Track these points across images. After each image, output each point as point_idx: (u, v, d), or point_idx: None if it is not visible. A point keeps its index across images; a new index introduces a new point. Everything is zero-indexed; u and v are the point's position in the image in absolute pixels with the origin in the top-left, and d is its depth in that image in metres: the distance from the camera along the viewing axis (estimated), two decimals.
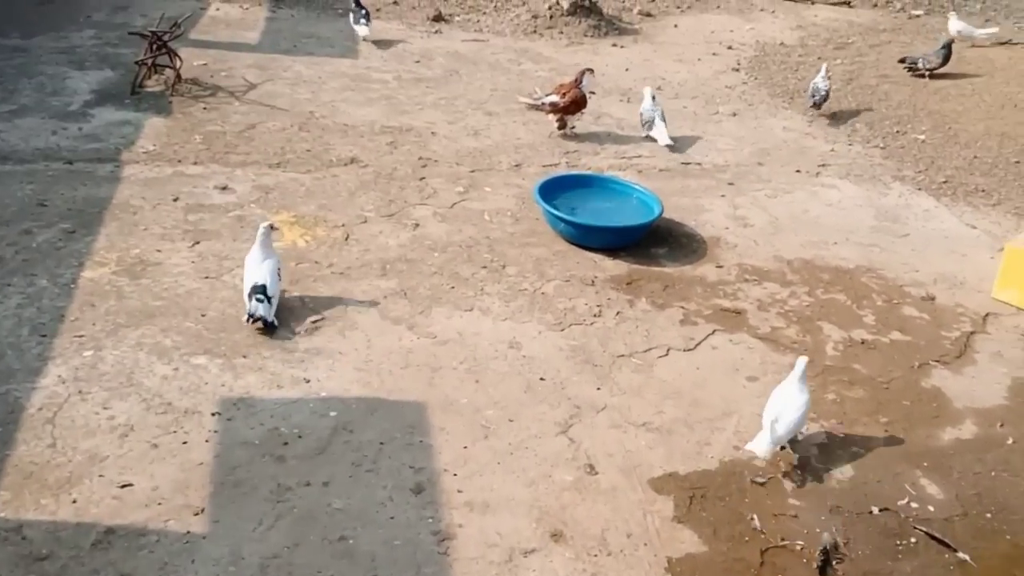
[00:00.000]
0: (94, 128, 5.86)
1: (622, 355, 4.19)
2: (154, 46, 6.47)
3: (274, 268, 4.15)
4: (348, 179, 5.56)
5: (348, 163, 5.77)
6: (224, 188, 5.28)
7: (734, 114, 7.27)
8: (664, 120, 6.61)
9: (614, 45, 8.86)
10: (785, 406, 3.54)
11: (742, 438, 3.68)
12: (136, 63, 6.48)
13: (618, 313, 4.50)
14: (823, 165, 6.41)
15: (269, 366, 3.85)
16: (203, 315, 4.14)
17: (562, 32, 8.98)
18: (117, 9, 8.24)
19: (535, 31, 8.97)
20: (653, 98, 6.69)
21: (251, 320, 4.03)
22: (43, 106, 6.12)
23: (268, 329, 4.06)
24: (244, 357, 3.89)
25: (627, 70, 8.16)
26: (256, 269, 4.12)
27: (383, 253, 4.80)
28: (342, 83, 7.08)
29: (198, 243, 4.71)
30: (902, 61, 8.50)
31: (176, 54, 6.55)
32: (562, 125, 6.45)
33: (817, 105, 7.23)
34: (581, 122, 6.63)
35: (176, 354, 3.86)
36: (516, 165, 5.98)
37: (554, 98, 6.40)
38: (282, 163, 5.67)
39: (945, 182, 6.28)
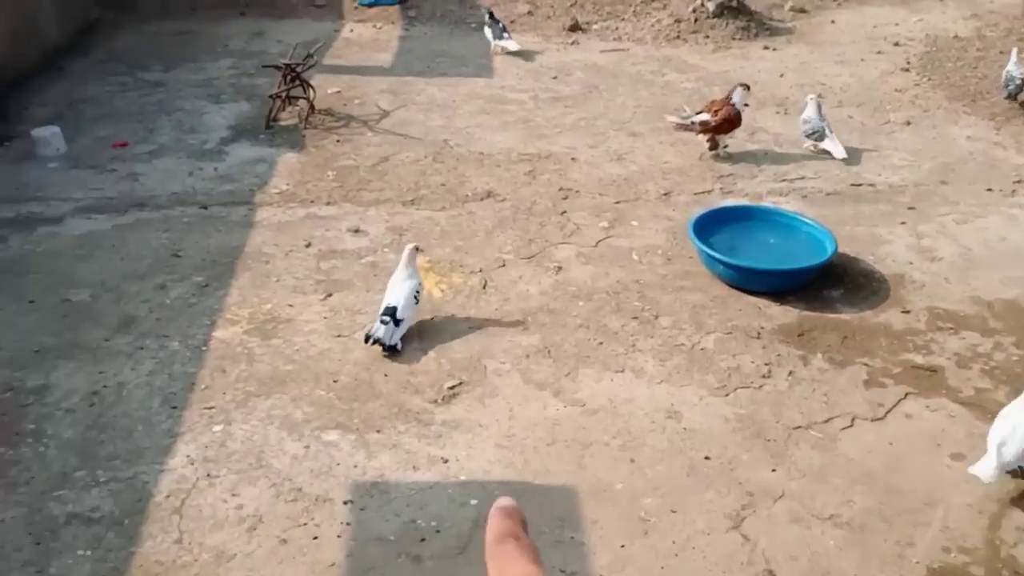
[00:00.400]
0: (229, 168, 5.73)
1: (798, 427, 3.66)
2: (288, 78, 6.31)
3: (411, 291, 4.03)
4: (484, 216, 5.21)
5: (484, 197, 5.43)
6: (357, 231, 5.02)
7: (908, 123, 6.55)
8: (831, 131, 6.01)
9: (766, 48, 8.22)
10: (1015, 427, 3.15)
11: (952, 536, 3.12)
12: (270, 96, 6.33)
13: (791, 373, 3.97)
14: (1019, 181, 5.65)
15: (404, 443, 3.53)
16: (335, 380, 3.86)
17: (708, 36, 8.40)
18: (254, 36, 8.19)
19: (678, 36, 8.42)
20: (819, 108, 6.09)
21: (369, 341, 3.95)
22: (180, 145, 6.04)
23: (388, 351, 3.96)
24: (378, 432, 3.58)
25: (782, 76, 7.53)
26: (392, 290, 4.07)
27: (524, 303, 4.43)
28: (477, 106, 6.76)
29: (330, 295, 4.45)
30: None
31: (309, 85, 6.38)
32: (714, 146, 5.92)
33: (1012, 96, 6.44)
34: (734, 140, 6.08)
35: (307, 428, 3.59)
36: (665, 194, 5.49)
37: (704, 117, 5.88)
38: (416, 199, 5.38)
39: None
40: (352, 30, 8.54)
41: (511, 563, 0.63)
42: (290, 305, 4.37)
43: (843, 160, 5.83)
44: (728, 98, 5.87)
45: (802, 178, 5.72)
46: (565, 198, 5.44)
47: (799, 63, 7.84)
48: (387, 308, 3.99)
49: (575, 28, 8.63)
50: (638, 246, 4.93)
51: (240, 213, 5.18)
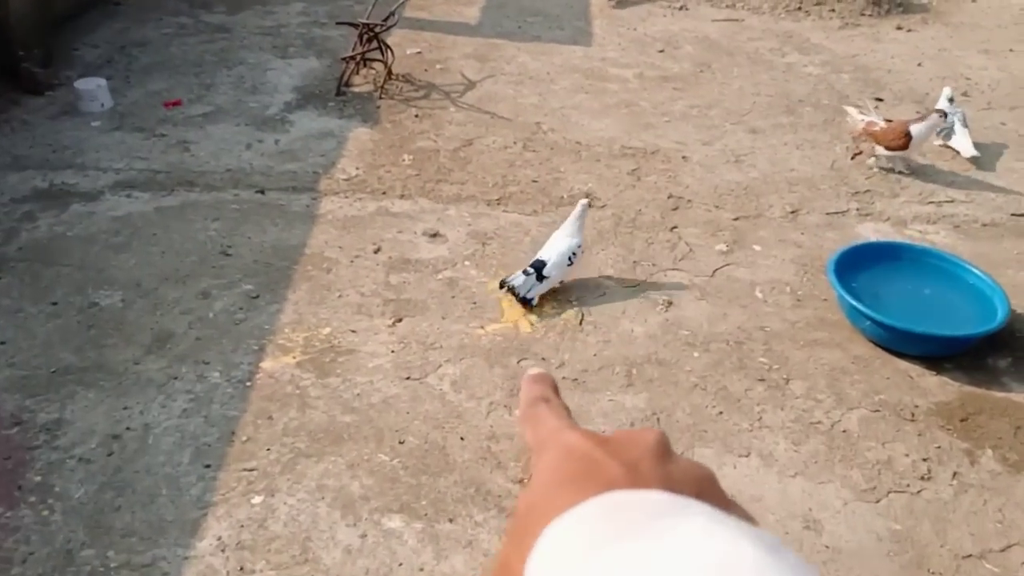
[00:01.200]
0: (292, 142, 5.05)
1: (969, 555, 2.94)
2: (364, 38, 5.57)
3: (567, 250, 3.83)
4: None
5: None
6: (435, 235, 4.33)
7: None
8: (967, 126, 5.16)
9: (899, 28, 7.25)
10: None
11: None
12: (343, 60, 5.60)
13: (955, 475, 3.23)
14: None
15: (482, 539, 2.88)
16: (401, 442, 3.21)
17: (833, 10, 7.45)
18: None
19: (800, 8, 7.48)
20: (951, 100, 5.24)
21: (503, 288, 3.82)
22: (240, 108, 5.37)
23: (522, 303, 3.80)
24: (450, 521, 2.93)
25: (919, 65, 6.59)
26: (549, 244, 3.89)
27: (627, 348, 3.72)
28: (574, 81, 5.96)
29: (399, 320, 3.78)
30: None
31: (388, 47, 5.63)
32: (858, 153, 5.09)
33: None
34: (868, 144, 5.24)
35: (365, 509, 2.95)
36: (792, 211, 4.70)
37: (874, 118, 5.08)
38: (503, 198, 4.66)
39: None
40: None
41: (542, 423, 0.59)
42: (352, 331, 3.72)
43: (972, 159, 5.14)
44: (920, 118, 4.93)
45: (952, 201, 4.87)
46: (675, 208, 4.67)
47: (937, 49, 6.88)
48: (536, 261, 3.81)
49: None
50: (762, 280, 4.17)
51: (302, 202, 4.51)
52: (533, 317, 3.85)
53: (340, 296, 3.91)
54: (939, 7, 7.72)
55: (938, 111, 4.94)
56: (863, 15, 7.42)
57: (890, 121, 5.03)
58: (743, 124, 5.55)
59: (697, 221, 4.58)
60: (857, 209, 4.74)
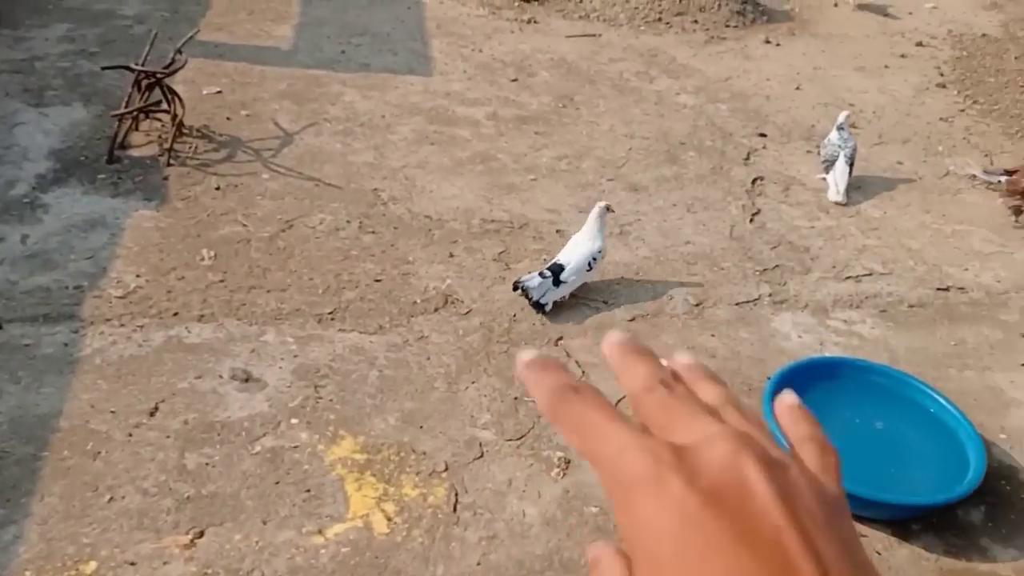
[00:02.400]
0: (46, 237, 3.77)
1: None
2: (143, 87, 4.31)
3: (587, 256, 3.62)
4: (443, 344, 3.47)
5: (440, 305, 3.68)
6: (247, 379, 3.21)
7: (972, 176, 5.05)
8: (851, 163, 4.52)
9: (767, 41, 6.57)
10: None
11: None
12: (115, 116, 4.32)
13: None
14: None
15: None
16: None
17: (696, 21, 6.69)
18: None
19: (660, 19, 6.68)
20: (840, 128, 4.59)
21: (517, 289, 3.61)
22: None
23: (534, 307, 3.60)
24: None
25: (798, 88, 5.92)
26: (569, 247, 3.68)
27: (520, 546, 2.76)
28: (416, 127, 4.91)
29: (201, 535, 2.68)
30: None
31: (175, 95, 4.39)
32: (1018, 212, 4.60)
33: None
34: (765, 201, 4.49)
35: None
36: (696, 304, 3.85)
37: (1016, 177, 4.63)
38: (337, 310, 3.59)
39: None
40: None
41: (595, 432, 0.43)
42: (131, 562, 2.58)
43: (839, 204, 4.60)
44: None
45: (870, 274, 4.16)
46: (556, 310, 3.73)
47: (812, 68, 6.24)
48: (555, 264, 3.60)
49: None
50: None
51: (57, 339, 3.28)
52: (391, 506, 2.83)
53: (111, 500, 2.75)
54: (803, 15, 7.11)
55: None
56: (728, 26, 6.69)
57: (1013, 173, 4.64)
58: (621, 179, 4.66)
59: (586, 327, 3.66)
60: (770, 295, 3.94)
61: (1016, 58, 6.57)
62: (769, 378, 3.22)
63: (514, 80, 5.56)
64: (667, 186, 4.61)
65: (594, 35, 6.36)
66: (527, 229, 4.19)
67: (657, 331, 3.68)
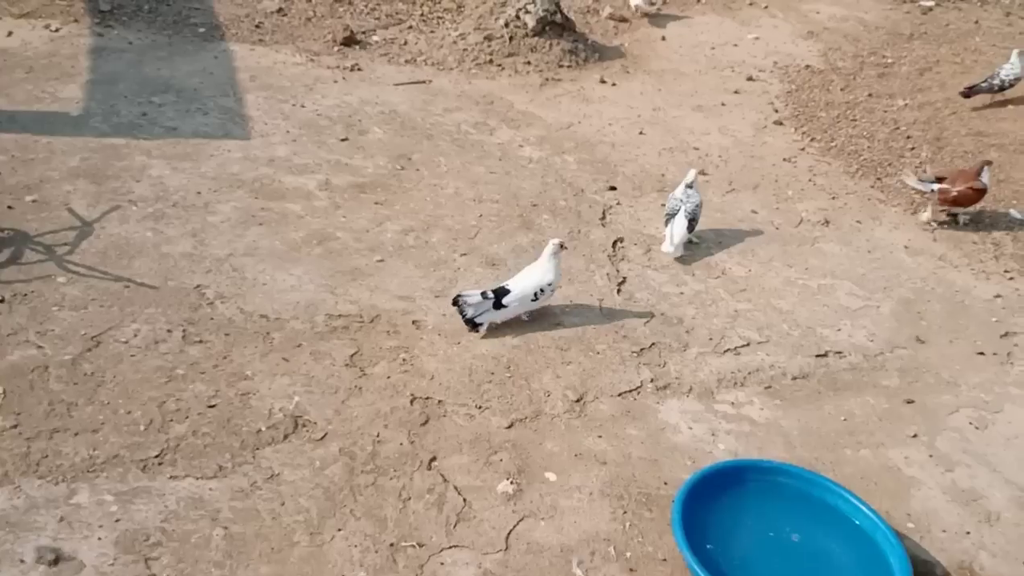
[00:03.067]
0: None
1: None
2: None
3: (534, 287, 3.67)
4: (299, 483, 2.96)
5: (290, 431, 3.15)
6: (56, 560, 2.59)
7: (826, 222, 4.99)
8: (691, 219, 4.41)
9: (603, 81, 6.36)
10: None
11: None
12: None
13: None
14: (1008, 335, 4.23)
15: None
16: None
17: (528, 62, 6.39)
18: None
19: (491, 61, 6.34)
20: (689, 185, 4.48)
21: (455, 303, 3.63)
22: None
23: (467, 324, 3.64)
24: None
25: (641, 133, 5.72)
26: (520, 275, 3.73)
27: None
28: (239, 204, 4.33)
29: None
30: (968, 94, 6.33)
31: None
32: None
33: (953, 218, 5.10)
34: (630, 266, 4.22)
35: None
36: (576, 399, 3.50)
37: (945, 186, 4.93)
38: (165, 451, 2.99)
39: None
40: (11, 32, 5.63)
41: None
42: None
43: (674, 256, 4.44)
44: (977, 172, 4.92)
45: (747, 344, 3.95)
46: (425, 422, 3.29)
47: (652, 109, 6.06)
48: (501, 288, 3.65)
49: (350, 41, 6.27)
50: (574, 540, 2.92)
51: None
52: None
53: None
54: (634, 51, 6.95)
55: (987, 162, 5.00)
56: (561, 66, 6.43)
57: (941, 180, 4.96)
58: (475, 252, 4.26)
59: (460, 441, 3.23)
60: (652, 380, 3.64)
61: (842, 89, 6.65)
62: (676, 498, 2.89)
63: (344, 140, 5.05)
64: (526, 257, 4.24)
65: (424, 81, 5.94)
66: (379, 322, 3.72)
67: (540, 437, 3.30)
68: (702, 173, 5.19)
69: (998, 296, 4.49)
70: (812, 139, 5.90)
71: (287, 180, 4.57)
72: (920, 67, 7.12)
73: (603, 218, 4.70)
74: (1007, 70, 6.23)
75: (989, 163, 5.06)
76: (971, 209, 5.02)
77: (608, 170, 5.19)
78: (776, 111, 6.26)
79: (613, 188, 5.00)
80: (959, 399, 3.80)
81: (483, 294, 3.63)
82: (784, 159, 5.61)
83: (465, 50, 6.36)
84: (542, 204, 4.72)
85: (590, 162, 5.25)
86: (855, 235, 4.89)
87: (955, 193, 4.90)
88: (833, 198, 5.24)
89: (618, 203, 4.87)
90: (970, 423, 3.68)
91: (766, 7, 8.14)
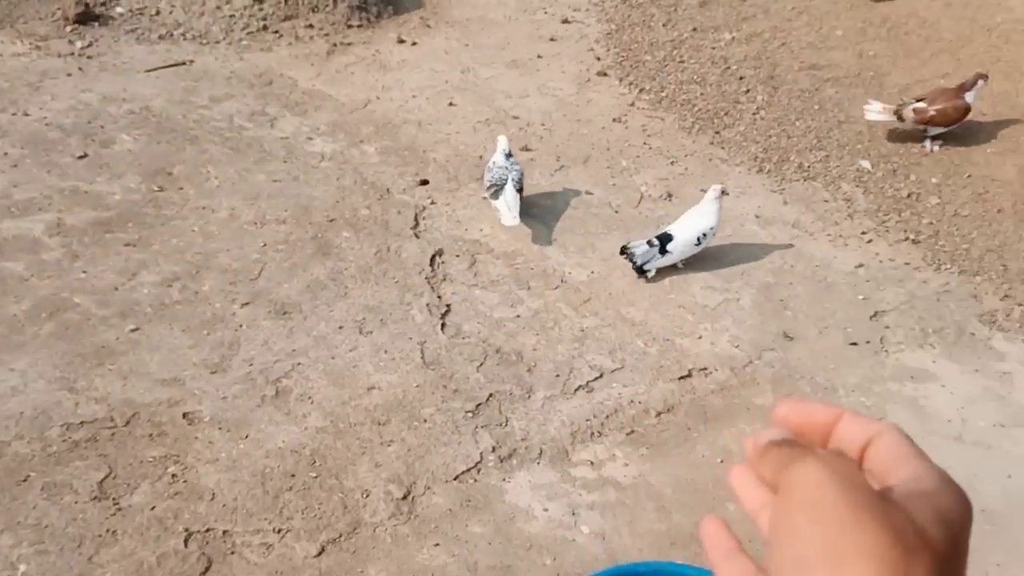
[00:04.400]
0: None
1: None
2: None
3: (698, 232, 3.75)
4: None
5: None
6: None
7: (668, 195, 4.41)
8: (519, 188, 3.87)
9: (401, 40, 5.51)
10: None
11: None
12: None
13: None
14: (877, 315, 3.79)
15: None
16: None
17: (311, 25, 5.46)
18: None
19: (265, 27, 5.37)
20: (508, 154, 3.97)
21: (623, 253, 3.72)
22: None
23: (637, 271, 3.73)
24: None
25: (452, 104, 4.93)
26: (681, 219, 3.80)
27: None
28: None
29: None
30: None
31: None
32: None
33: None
34: (454, 289, 3.50)
35: None
36: (404, 496, 2.79)
37: (921, 105, 4.68)
38: None
39: None
40: None
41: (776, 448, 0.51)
42: None
43: (511, 227, 3.89)
44: (961, 89, 4.70)
45: (600, 375, 3.33)
46: (206, 569, 2.51)
47: (460, 72, 5.28)
48: (663, 234, 3.73)
49: (87, 16, 5.14)
50: None
51: None
52: None
53: None
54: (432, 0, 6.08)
55: (981, 75, 4.72)
56: (350, 26, 5.52)
57: (921, 100, 4.72)
58: (261, 299, 3.42)
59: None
60: (493, 449, 2.97)
61: (664, 25, 6.03)
62: None
63: (82, 157, 4.04)
64: (325, 296, 3.45)
65: (184, 63, 4.92)
66: (138, 424, 2.86)
67: (360, 560, 2.58)
68: (525, 149, 4.50)
69: (860, 266, 4.04)
70: (641, 90, 5.28)
71: (4, 227, 3.55)
72: None
73: (416, 225, 3.94)
74: None
75: (984, 76, 4.72)
76: (947, 130, 4.75)
77: (417, 158, 4.40)
78: (598, 58, 5.58)
79: (425, 182, 4.23)
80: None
81: (648, 242, 3.71)
82: (614, 119, 4.97)
83: (232, 16, 5.34)
84: (340, 217, 3.89)
85: (394, 150, 4.44)
86: (697, 200, 4.32)
87: (932, 112, 4.64)
88: (672, 163, 4.65)
89: (432, 202, 4.11)
90: None
91: None
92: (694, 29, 5.99)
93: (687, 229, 3.75)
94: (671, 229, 3.76)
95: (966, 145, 4.88)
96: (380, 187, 4.15)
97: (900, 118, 4.70)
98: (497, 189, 3.89)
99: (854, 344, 3.62)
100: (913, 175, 4.67)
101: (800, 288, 3.88)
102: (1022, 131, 4.99)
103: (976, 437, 3.27)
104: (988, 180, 4.66)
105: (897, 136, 4.92)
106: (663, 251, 3.70)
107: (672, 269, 3.88)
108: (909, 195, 4.53)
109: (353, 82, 5.00)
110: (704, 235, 3.77)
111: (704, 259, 3.95)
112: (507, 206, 3.85)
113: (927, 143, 4.81)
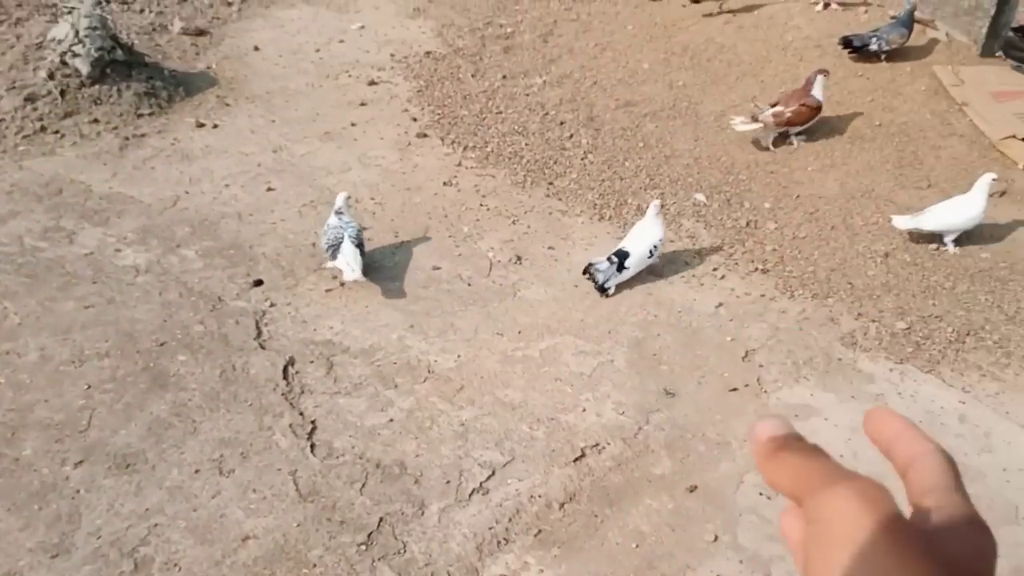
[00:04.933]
0: None
1: None
2: None
3: (649, 245, 3.92)
4: None
5: None
6: None
7: (518, 258, 4.25)
8: (358, 243, 3.74)
9: (200, 124, 5.11)
10: None
11: None
12: None
13: None
14: (748, 354, 3.76)
15: None
16: None
17: (96, 120, 4.97)
18: None
19: (43, 128, 4.84)
20: (338, 212, 3.84)
21: (586, 273, 3.93)
22: None
23: (599, 291, 3.90)
24: None
25: (270, 189, 4.60)
26: (632, 236, 3.98)
27: None
28: None
29: None
30: (848, 47, 5.72)
31: None
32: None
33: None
34: (315, 401, 3.18)
35: None
36: None
37: (778, 109, 4.94)
38: None
39: (908, 330, 4.00)
40: None
41: (805, 468, 0.49)
42: None
43: (356, 281, 3.74)
44: (807, 87, 4.98)
45: (493, 473, 3.10)
46: None
47: (271, 150, 4.93)
48: (620, 251, 3.89)
49: None
50: None
51: None
52: None
53: None
54: (225, 71, 5.67)
55: (822, 71, 5.00)
56: (140, 116, 5.05)
57: (775, 105, 4.98)
58: (97, 452, 2.96)
59: None
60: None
61: (473, 76, 5.91)
62: None
63: None
64: (171, 437, 3.03)
65: None
66: None
67: None
68: (364, 229, 4.22)
69: (720, 305, 4.02)
70: (465, 147, 5.11)
71: None
72: (541, 32, 6.57)
73: (259, 335, 3.57)
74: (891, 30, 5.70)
75: (824, 72, 4.98)
76: (806, 127, 5.05)
77: (244, 257, 4.02)
78: (415, 119, 5.38)
79: (259, 283, 3.87)
80: (737, 464, 3.24)
81: (608, 259, 3.86)
82: (444, 183, 4.77)
83: (2, 120, 4.75)
84: (171, 339, 3.47)
85: (217, 251, 4.05)
86: (552, 267, 4.19)
87: (788, 114, 4.89)
88: (513, 222, 4.50)
89: (271, 304, 3.75)
90: (760, 494, 3.13)
91: None
92: (504, 76, 5.91)
93: (640, 244, 3.91)
94: (625, 246, 3.92)
95: (789, 166, 5.01)
96: (210, 296, 3.74)
97: (765, 124, 4.95)
98: (335, 249, 3.71)
99: (734, 390, 3.57)
100: (746, 202, 4.74)
101: (669, 338, 3.80)
102: (836, 146, 5.18)
103: (869, 468, 3.24)
104: (815, 198, 4.78)
105: (721, 166, 4.98)
106: (621, 268, 3.87)
107: (539, 336, 3.70)
108: (748, 223, 4.57)
109: (155, 178, 4.54)
110: (655, 247, 3.95)
111: (568, 321, 3.80)
112: (346, 262, 3.68)
113: (793, 139, 5.11)
